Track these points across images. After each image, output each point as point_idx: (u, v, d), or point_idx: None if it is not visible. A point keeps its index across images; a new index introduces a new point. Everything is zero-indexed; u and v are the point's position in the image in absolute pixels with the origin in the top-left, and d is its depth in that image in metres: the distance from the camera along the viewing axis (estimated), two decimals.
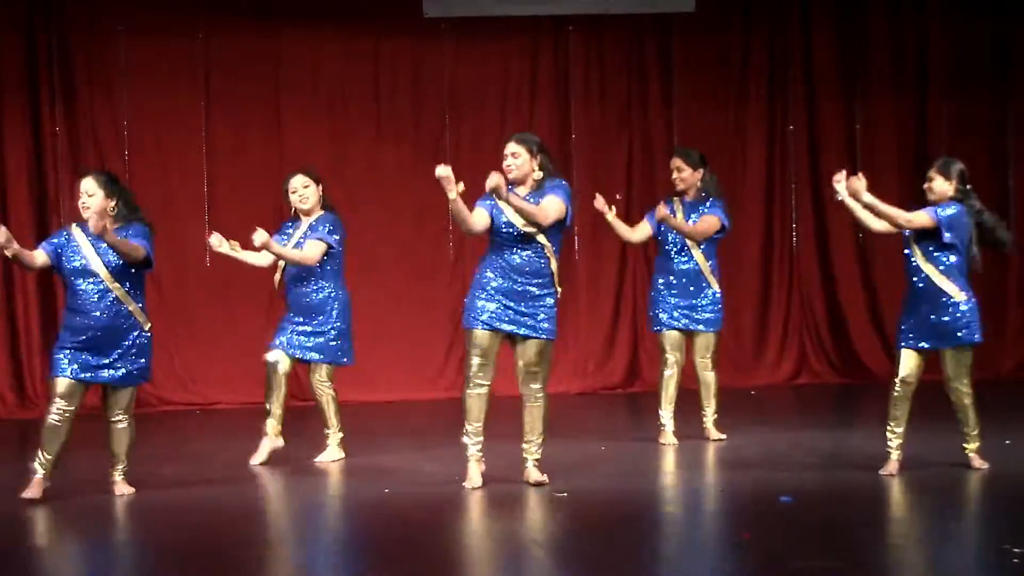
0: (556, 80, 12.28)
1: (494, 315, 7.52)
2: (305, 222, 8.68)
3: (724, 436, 9.18)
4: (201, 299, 11.80)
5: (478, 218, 7.57)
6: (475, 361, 7.55)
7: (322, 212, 8.70)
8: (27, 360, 11.53)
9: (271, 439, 8.70)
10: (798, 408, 11.45)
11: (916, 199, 7.90)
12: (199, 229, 11.71)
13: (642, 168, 12.33)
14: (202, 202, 11.82)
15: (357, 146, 12.06)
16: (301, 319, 8.65)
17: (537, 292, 7.56)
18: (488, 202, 7.59)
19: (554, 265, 7.60)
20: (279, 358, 8.65)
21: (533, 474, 7.67)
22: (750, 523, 6.73)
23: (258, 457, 8.68)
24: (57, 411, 7.54)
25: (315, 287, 8.62)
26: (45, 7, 11.59)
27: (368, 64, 12.09)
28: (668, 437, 9.07)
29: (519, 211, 7.43)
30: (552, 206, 7.50)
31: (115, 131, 11.73)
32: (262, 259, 8.73)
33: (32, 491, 7.56)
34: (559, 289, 7.68)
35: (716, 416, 9.21)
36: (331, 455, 8.78)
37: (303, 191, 8.67)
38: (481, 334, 7.53)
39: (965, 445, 7.90)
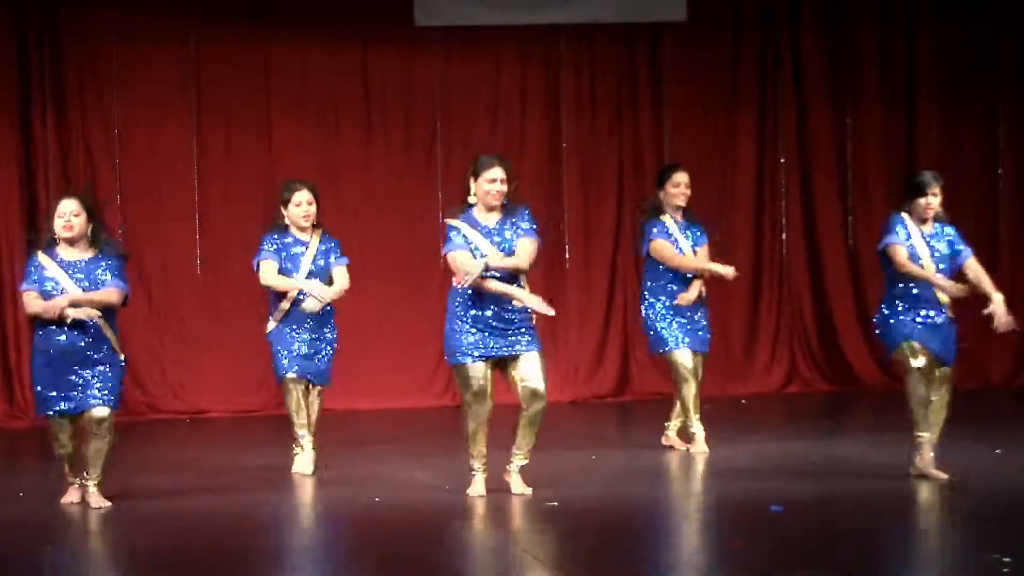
0: (547, 89, 12.28)
1: (478, 346, 7.45)
2: (310, 241, 8.56)
3: (688, 447, 9.18)
4: (191, 307, 11.78)
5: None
6: (472, 394, 7.49)
7: (323, 233, 8.64)
8: (16, 369, 11.46)
9: (311, 452, 8.60)
10: (788, 417, 11.45)
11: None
12: (190, 236, 11.71)
13: (633, 176, 12.33)
14: (193, 209, 11.80)
15: (348, 153, 12.05)
16: (310, 340, 8.56)
17: (513, 315, 7.46)
18: (460, 242, 7.48)
19: (526, 287, 7.54)
20: (298, 377, 8.59)
21: (515, 485, 7.64)
22: (741, 532, 6.74)
23: (309, 468, 8.57)
24: (59, 443, 7.57)
25: (326, 310, 8.57)
26: (36, 14, 11.56)
27: (359, 72, 12.08)
28: (700, 445, 9.06)
29: (504, 282, 7.37)
30: (528, 251, 7.45)
31: (106, 138, 11.71)
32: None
33: (72, 496, 7.66)
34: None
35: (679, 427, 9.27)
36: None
37: (308, 208, 8.54)
38: (473, 367, 7.47)
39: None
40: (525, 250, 7.45)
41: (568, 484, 7.97)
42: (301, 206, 8.52)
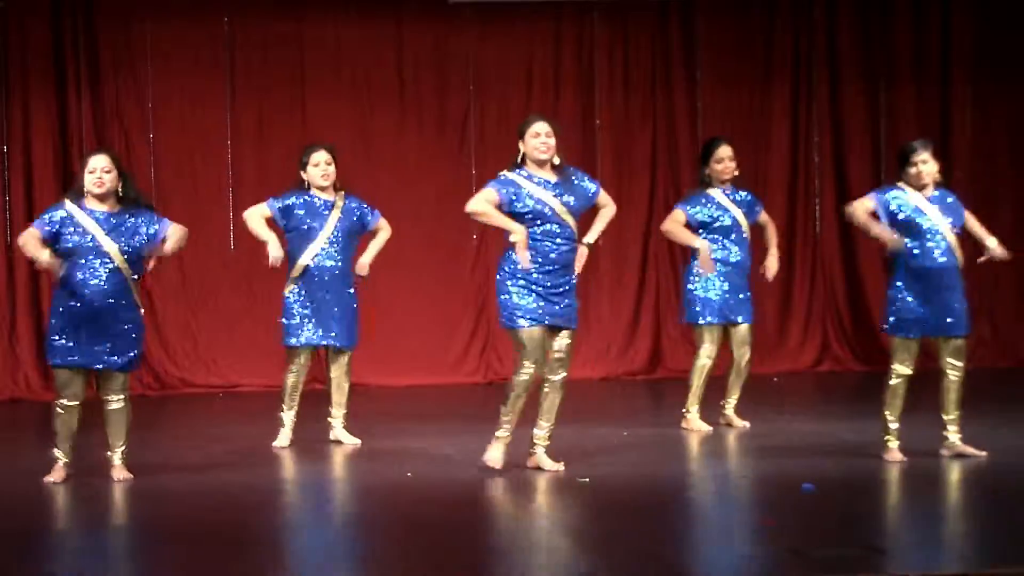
0: (580, 64, 12.27)
1: (537, 310, 7.46)
2: (336, 201, 8.63)
3: (748, 424, 9.20)
4: (224, 282, 11.84)
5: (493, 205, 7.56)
6: (529, 356, 7.48)
7: (346, 194, 8.72)
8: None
9: (289, 432, 8.81)
10: (820, 395, 11.44)
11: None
12: (223, 212, 11.75)
13: (666, 153, 12.32)
14: (226, 185, 11.85)
15: (381, 130, 12.07)
16: (331, 305, 8.63)
17: (567, 282, 7.55)
18: (509, 189, 7.52)
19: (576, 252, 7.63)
20: (303, 347, 8.71)
21: (547, 462, 7.68)
22: (772, 510, 6.74)
23: (285, 441, 8.76)
24: (61, 401, 7.55)
25: (349, 269, 8.66)
26: None
27: (392, 48, 12.10)
28: (697, 423, 9.11)
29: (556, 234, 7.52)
30: (607, 197, 7.84)
31: (140, 113, 11.77)
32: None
33: (56, 475, 7.60)
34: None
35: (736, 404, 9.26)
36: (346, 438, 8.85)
37: (327, 168, 8.65)
38: (531, 332, 7.48)
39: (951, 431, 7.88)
40: (605, 199, 7.83)
41: (600, 461, 7.99)
42: (319, 166, 8.62)
